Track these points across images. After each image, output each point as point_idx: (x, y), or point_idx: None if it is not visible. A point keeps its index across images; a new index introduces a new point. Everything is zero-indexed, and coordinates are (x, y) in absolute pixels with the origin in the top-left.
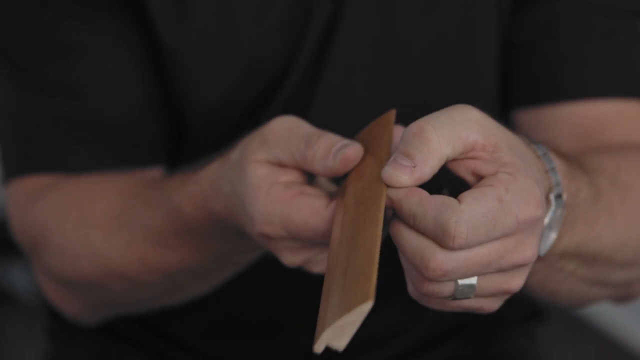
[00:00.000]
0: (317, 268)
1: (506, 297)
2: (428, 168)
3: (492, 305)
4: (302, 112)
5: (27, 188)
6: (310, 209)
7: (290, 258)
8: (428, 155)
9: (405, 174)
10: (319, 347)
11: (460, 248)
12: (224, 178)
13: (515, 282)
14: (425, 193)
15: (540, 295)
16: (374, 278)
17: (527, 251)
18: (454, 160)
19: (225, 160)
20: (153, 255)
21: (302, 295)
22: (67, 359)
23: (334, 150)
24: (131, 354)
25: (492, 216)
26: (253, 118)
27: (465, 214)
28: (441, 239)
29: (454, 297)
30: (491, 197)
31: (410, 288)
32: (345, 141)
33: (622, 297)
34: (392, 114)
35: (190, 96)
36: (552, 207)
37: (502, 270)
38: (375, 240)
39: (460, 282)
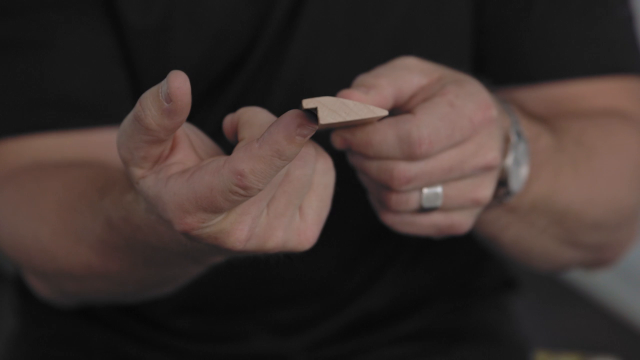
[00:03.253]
0: (276, 238)
1: (476, 209)
2: (385, 91)
3: (463, 220)
4: (269, 84)
5: None
6: (210, 172)
7: (238, 234)
8: (385, 83)
9: (360, 92)
10: (307, 104)
11: (428, 153)
12: (140, 200)
13: (482, 191)
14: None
15: (515, 255)
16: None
17: (488, 154)
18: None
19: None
20: (98, 263)
21: (275, 270)
22: (35, 338)
23: (161, 95)
24: (100, 333)
25: (449, 119)
26: (220, 90)
27: (423, 120)
28: (407, 151)
29: (421, 207)
30: (442, 104)
31: (381, 211)
32: (161, 82)
33: (594, 262)
34: None
35: (156, 70)
36: (514, 143)
37: (466, 177)
38: None
39: (426, 190)
